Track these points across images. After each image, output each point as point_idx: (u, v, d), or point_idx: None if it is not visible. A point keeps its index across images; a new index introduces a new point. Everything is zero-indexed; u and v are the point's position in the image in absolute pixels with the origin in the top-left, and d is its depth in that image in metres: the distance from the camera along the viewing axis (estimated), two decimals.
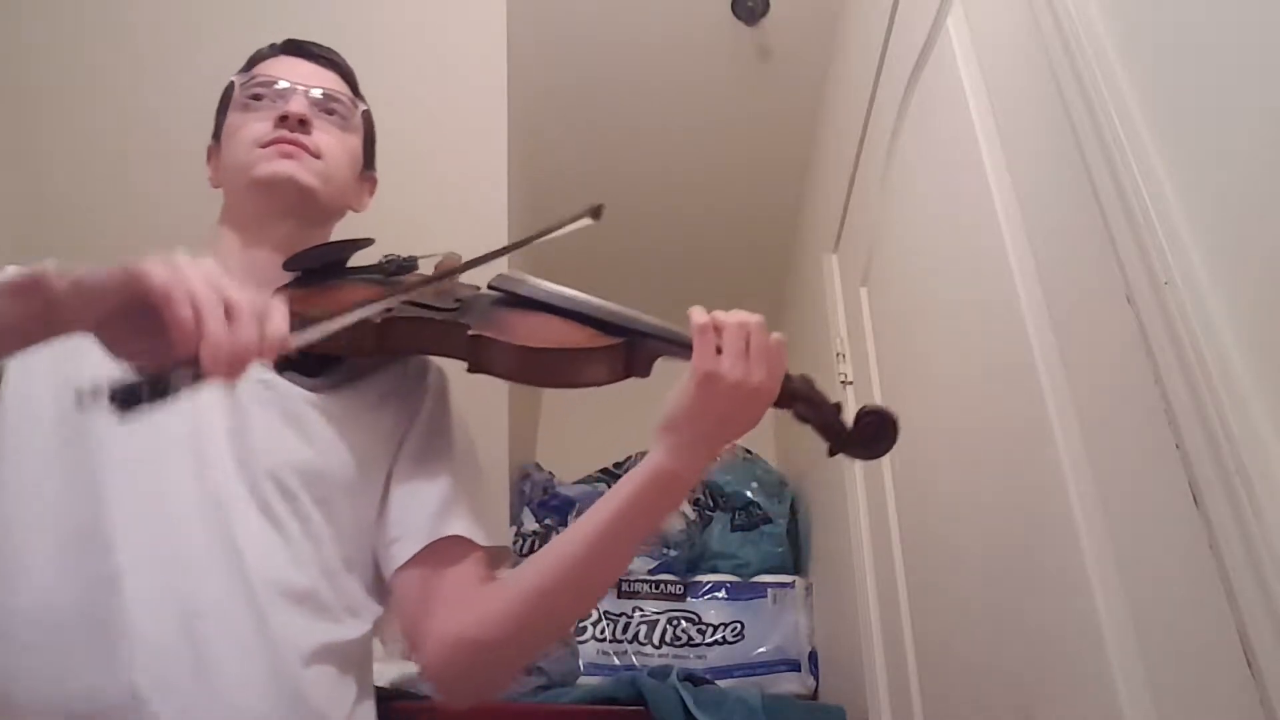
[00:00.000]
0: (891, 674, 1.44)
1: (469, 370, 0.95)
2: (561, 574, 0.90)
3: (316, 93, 1.10)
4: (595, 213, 0.89)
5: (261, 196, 1.05)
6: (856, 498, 1.69)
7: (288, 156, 1.05)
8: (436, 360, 1.08)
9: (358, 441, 0.98)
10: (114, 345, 0.69)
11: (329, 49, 1.16)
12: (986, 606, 1.07)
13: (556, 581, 0.90)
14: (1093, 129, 0.83)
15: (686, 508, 2.11)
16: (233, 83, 1.13)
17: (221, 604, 0.84)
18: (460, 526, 0.97)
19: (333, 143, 1.09)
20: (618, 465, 2.30)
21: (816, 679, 1.91)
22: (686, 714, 1.61)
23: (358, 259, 1.07)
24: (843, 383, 1.79)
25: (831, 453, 0.92)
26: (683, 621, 1.95)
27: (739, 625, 1.95)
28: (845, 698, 1.72)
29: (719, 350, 0.85)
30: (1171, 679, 0.69)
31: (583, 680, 1.83)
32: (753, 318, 0.87)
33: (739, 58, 2.21)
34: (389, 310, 0.91)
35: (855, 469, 1.71)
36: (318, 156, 1.07)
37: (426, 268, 1.03)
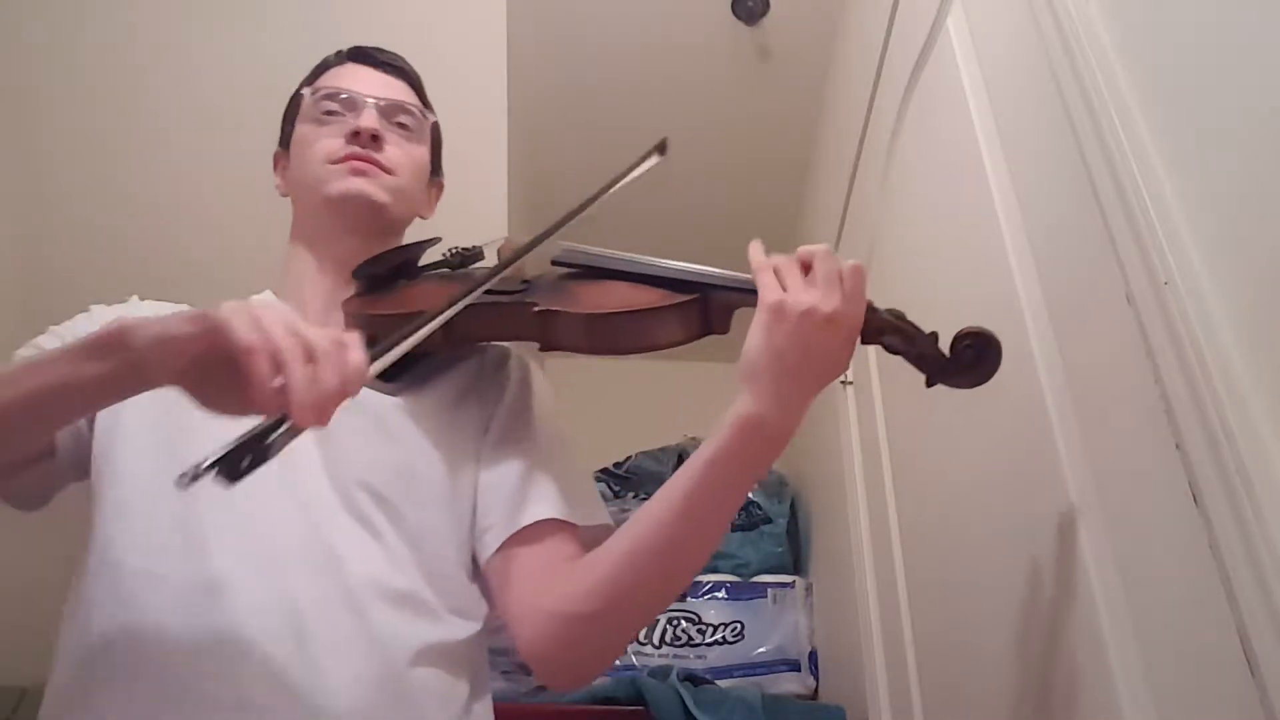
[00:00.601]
0: (891, 674, 1.44)
1: (541, 349, 0.92)
2: (651, 539, 0.84)
3: (387, 105, 1.09)
4: (661, 148, 0.87)
5: (334, 213, 1.05)
6: (856, 498, 1.69)
7: (360, 174, 1.04)
8: (517, 350, 1.07)
9: (445, 439, 0.97)
10: (200, 396, 0.69)
11: (396, 55, 1.15)
12: (986, 606, 1.07)
13: (647, 548, 0.84)
14: (1093, 129, 0.83)
15: None
16: (301, 93, 1.12)
17: (322, 606, 0.84)
18: (547, 509, 0.94)
19: (403, 156, 1.08)
20: (617, 465, 2.30)
21: (816, 679, 1.91)
22: (686, 714, 1.61)
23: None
24: (843, 382, 1.79)
25: (930, 383, 0.86)
26: (682, 621, 1.95)
27: (739, 625, 1.95)
28: (845, 698, 1.72)
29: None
30: (1171, 679, 0.69)
31: None
32: (816, 247, 0.82)
33: (739, 58, 2.21)
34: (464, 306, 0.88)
35: (855, 468, 1.71)
36: (390, 173, 1.06)
37: (490, 253, 1.02)
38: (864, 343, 0.83)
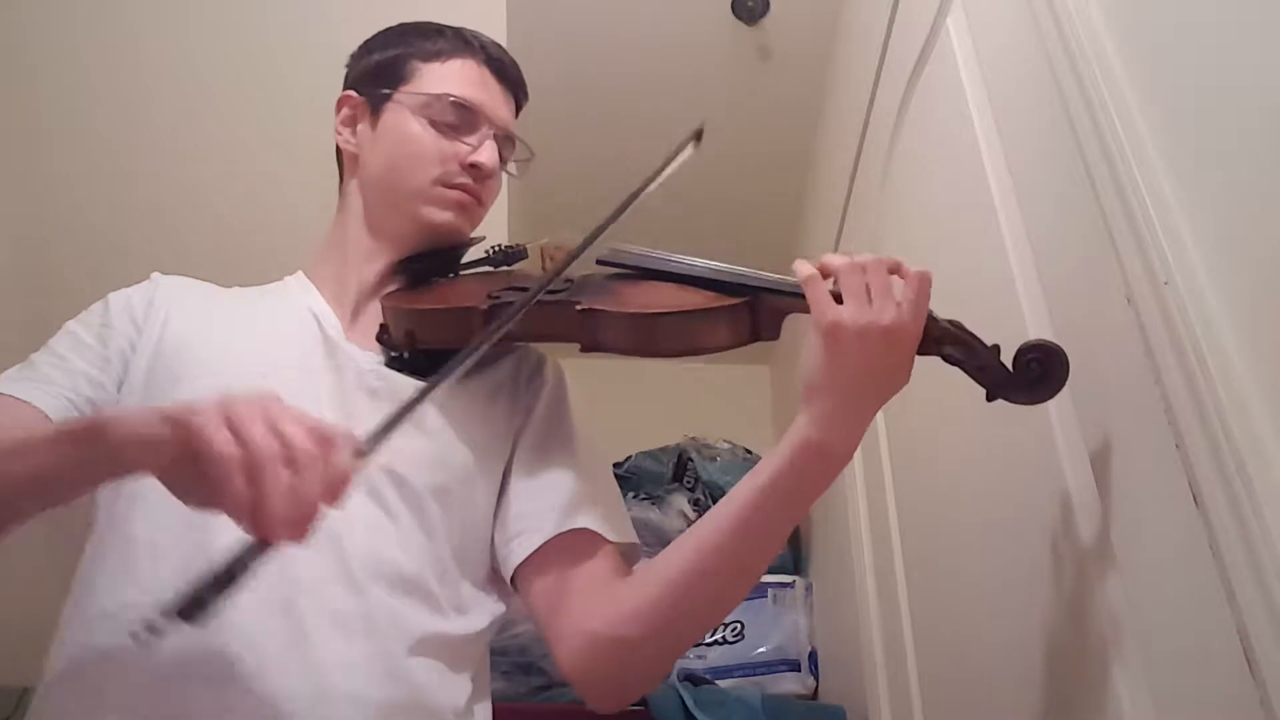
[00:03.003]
0: (891, 674, 1.44)
1: (582, 350, 0.90)
2: (703, 563, 0.82)
3: (505, 137, 1.07)
4: (697, 136, 0.85)
5: (420, 232, 1.03)
6: (856, 498, 1.69)
7: (462, 209, 1.03)
8: (554, 358, 1.06)
9: (473, 433, 0.95)
10: (180, 493, 0.67)
11: (519, 71, 1.12)
12: (987, 606, 1.07)
13: (698, 571, 0.82)
14: (1093, 129, 0.83)
15: (686, 508, 2.11)
16: (413, 61, 1.06)
17: (321, 583, 0.82)
18: (587, 520, 0.92)
19: (496, 186, 1.08)
20: (617, 465, 2.30)
21: (816, 679, 1.91)
22: (686, 714, 1.61)
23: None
24: None
25: (990, 397, 0.81)
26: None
27: (739, 625, 1.95)
28: (845, 698, 1.72)
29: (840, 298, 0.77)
30: (1171, 679, 0.69)
31: None
32: (867, 256, 0.78)
33: (739, 57, 2.21)
34: (503, 328, 0.84)
35: (855, 468, 1.71)
36: (483, 206, 1.06)
37: (533, 252, 1.02)
38: (920, 354, 0.80)
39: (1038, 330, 0.94)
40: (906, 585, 1.38)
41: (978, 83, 1.17)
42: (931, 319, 0.79)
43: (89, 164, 1.99)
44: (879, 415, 1.57)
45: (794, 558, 2.12)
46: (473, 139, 1.04)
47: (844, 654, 1.73)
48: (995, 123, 1.11)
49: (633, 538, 0.96)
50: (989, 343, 0.81)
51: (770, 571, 2.04)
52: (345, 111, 1.09)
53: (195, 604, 0.60)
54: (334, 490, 0.64)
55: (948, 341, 0.81)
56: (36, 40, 1.92)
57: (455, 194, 1.02)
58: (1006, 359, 0.81)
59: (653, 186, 0.86)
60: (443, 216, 1.02)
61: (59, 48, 1.92)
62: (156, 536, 0.82)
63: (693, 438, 2.33)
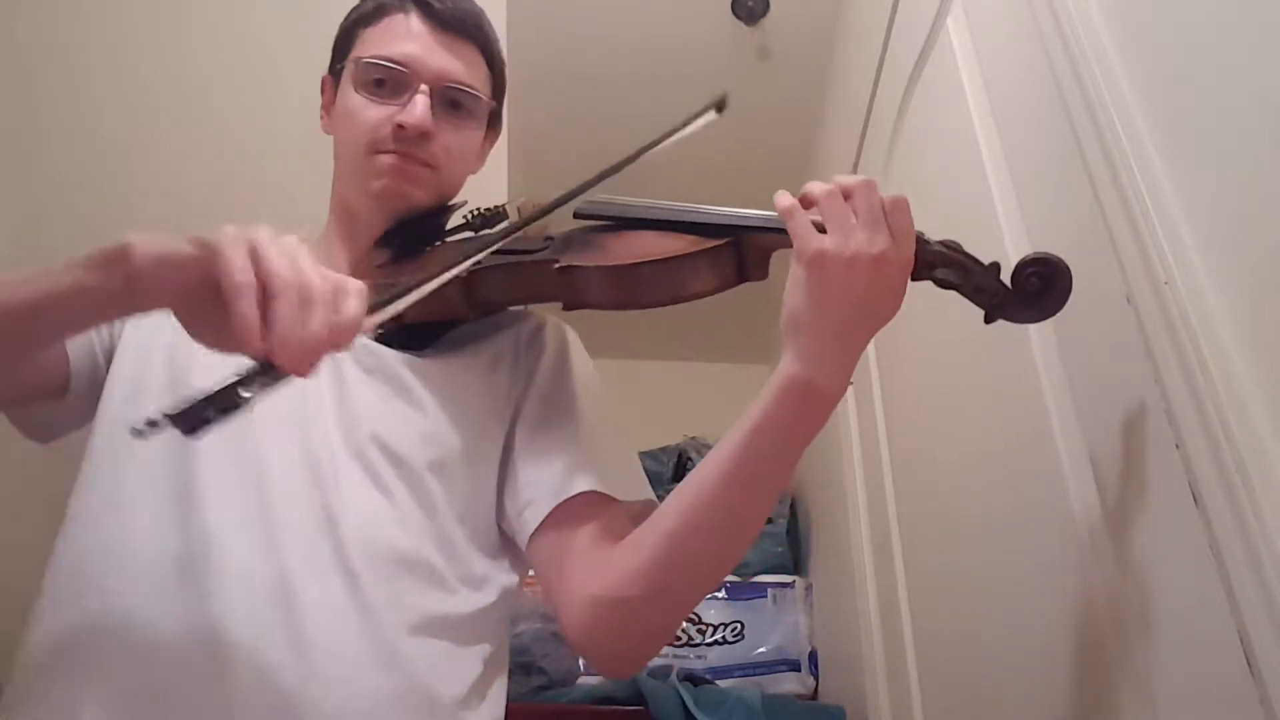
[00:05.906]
0: (891, 674, 1.44)
1: (565, 308, 0.88)
2: (696, 515, 0.79)
3: (441, 89, 0.98)
4: (719, 105, 0.82)
5: (369, 203, 0.99)
6: (856, 498, 1.70)
7: (399, 174, 0.96)
8: (555, 319, 1.03)
9: (470, 405, 0.93)
10: (192, 327, 0.66)
11: (464, 10, 1.01)
12: (987, 606, 1.07)
13: (692, 524, 0.79)
14: (1093, 129, 0.83)
15: None
16: (358, 29, 1.01)
17: (315, 568, 0.80)
18: (590, 481, 0.89)
19: (450, 146, 0.99)
20: None
21: (816, 679, 1.92)
22: (686, 714, 1.61)
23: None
24: None
25: (989, 319, 0.78)
26: (682, 621, 1.95)
27: (739, 625, 1.95)
28: (845, 698, 1.72)
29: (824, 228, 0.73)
30: (1171, 679, 0.69)
31: (583, 680, 1.82)
32: (855, 178, 0.74)
33: (739, 58, 2.21)
34: (477, 264, 0.82)
35: (855, 468, 1.71)
36: (434, 168, 0.98)
37: (512, 212, 0.99)
38: (914, 279, 0.76)
39: (1038, 329, 0.94)
40: (906, 585, 1.39)
41: (978, 83, 1.17)
42: (923, 242, 0.77)
43: (89, 164, 1.99)
44: (880, 416, 1.58)
45: (794, 558, 2.12)
46: (404, 98, 0.97)
47: (844, 654, 1.73)
48: (995, 123, 1.11)
49: (647, 495, 0.93)
50: (986, 261, 0.78)
51: (770, 571, 2.04)
52: (325, 96, 1.07)
53: (192, 415, 0.61)
54: (341, 334, 0.64)
55: (941, 264, 0.78)
56: (36, 40, 1.92)
57: (388, 159, 0.96)
58: (1005, 278, 0.78)
59: (661, 147, 0.84)
60: (379, 184, 0.97)
61: (59, 48, 1.91)
62: (138, 519, 0.81)
63: (693, 438, 2.33)
